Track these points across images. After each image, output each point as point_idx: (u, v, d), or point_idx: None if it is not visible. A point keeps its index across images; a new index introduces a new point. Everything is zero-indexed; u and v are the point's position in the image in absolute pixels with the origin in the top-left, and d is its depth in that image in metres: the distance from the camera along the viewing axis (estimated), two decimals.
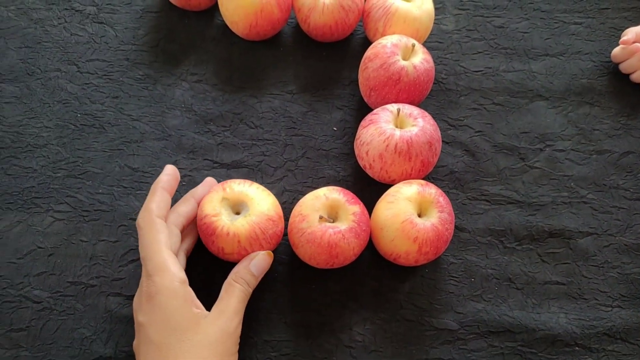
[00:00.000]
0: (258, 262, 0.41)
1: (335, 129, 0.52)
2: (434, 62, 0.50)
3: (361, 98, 0.53)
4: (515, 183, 0.50)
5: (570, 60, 0.57)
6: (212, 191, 0.42)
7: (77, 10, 0.56)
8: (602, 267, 0.47)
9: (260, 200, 0.41)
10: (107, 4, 0.56)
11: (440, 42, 0.57)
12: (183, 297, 0.36)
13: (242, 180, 0.43)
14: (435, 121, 0.46)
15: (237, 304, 0.38)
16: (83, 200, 0.47)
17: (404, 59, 0.48)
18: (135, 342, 0.38)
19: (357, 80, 0.53)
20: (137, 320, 0.37)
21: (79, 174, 0.49)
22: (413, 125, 0.45)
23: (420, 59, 0.48)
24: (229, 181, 0.43)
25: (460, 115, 0.53)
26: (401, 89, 0.47)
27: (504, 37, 0.58)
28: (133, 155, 0.50)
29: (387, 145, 0.44)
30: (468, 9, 0.59)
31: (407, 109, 0.46)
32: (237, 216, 0.41)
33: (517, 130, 0.53)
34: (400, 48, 0.48)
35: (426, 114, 0.46)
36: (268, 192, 0.43)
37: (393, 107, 0.46)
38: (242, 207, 0.41)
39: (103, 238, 0.46)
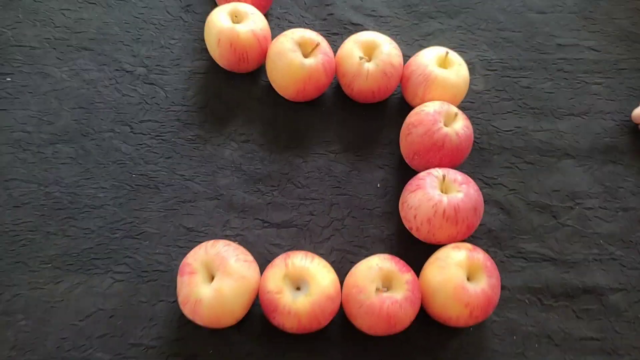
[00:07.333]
0: None
1: (378, 185, 0.55)
2: None
3: (400, 157, 0.55)
4: (549, 240, 0.53)
5: (593, 120, 0.60)
6: (275, 265, 0.44)
7: (127, 71, 0.58)
8: (633, 322, 0.50)
9: (321, 279, 0.43)
10: (156, 65, 0.59)
11: (472, 102, 0.60)
12: None
13: (304, 254, 0.45)
14: (471, 179, 0.49)
15: None
16: (141, 261, 0.49)
17: (446, 125, 0.51)
18: None
19: (396, 140, 0.56)
20: None
21: (136, 234, 0.50)
22: (458, 191, 0.47)
23: (462, 126, 0.50)
24: (291, 254, 0.45)
25: (494, 174, 0.56)
26: (444, 154, 0.50)
27: (531, 97, 0.61)
28: (187, 215, 0.52)
29: (436, 211, 0.46)
30: (496, 70, 0.63)
31: (452, 174, 0.48)
32: (298, 292, 0.43)
33: (548, 189, 0.56)
34: (442, 115, 0.51)
35: (469, 179, 0.48)
36: (329, 267, 0.45)
37: (438, 172, 0.49)
38: (302, 283, 0.43)
39: (162, 298, 0.48)
